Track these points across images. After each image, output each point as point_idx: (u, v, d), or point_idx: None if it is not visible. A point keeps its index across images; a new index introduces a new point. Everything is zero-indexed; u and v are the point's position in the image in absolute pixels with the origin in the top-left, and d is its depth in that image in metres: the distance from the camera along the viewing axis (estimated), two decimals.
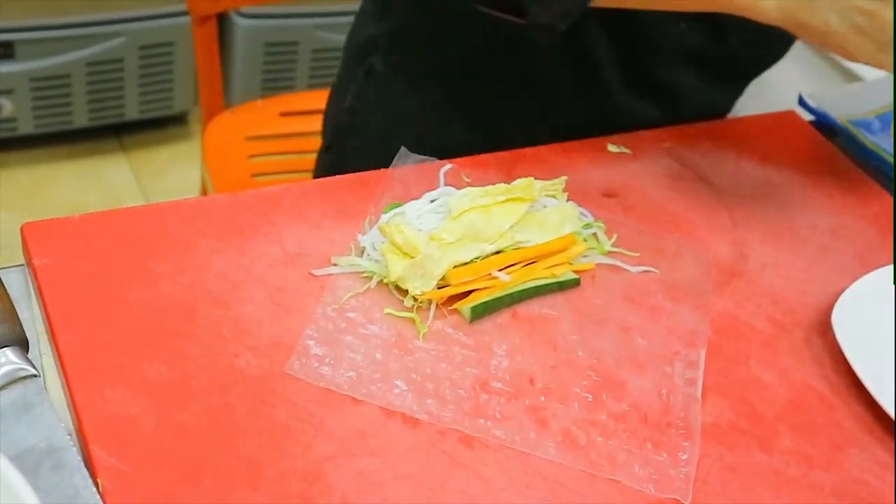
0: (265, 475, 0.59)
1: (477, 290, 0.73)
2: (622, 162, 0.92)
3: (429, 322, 0.71)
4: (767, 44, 0.98)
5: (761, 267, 0.84)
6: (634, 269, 0.80)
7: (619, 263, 0.80)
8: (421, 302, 0.72)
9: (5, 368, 0.62)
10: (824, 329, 0.78)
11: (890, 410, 0.70)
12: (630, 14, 0.86)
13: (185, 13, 1.82)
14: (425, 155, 0.83)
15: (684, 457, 0.66)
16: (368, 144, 1.01)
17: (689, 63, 0.93)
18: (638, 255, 0.81)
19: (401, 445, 0.63)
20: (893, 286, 0.80)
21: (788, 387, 0.73)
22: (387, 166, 0.82)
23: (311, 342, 0.68)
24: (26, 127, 2.14)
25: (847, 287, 0.79)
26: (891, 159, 1.00)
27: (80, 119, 2.15)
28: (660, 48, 0.90)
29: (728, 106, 1.07)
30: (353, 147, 1.04)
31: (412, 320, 0.71)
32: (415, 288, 0.71)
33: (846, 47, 0.74)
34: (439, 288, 0.72)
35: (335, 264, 0.73)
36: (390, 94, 0.99)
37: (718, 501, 0.64)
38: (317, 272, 0.73)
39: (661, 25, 0.88)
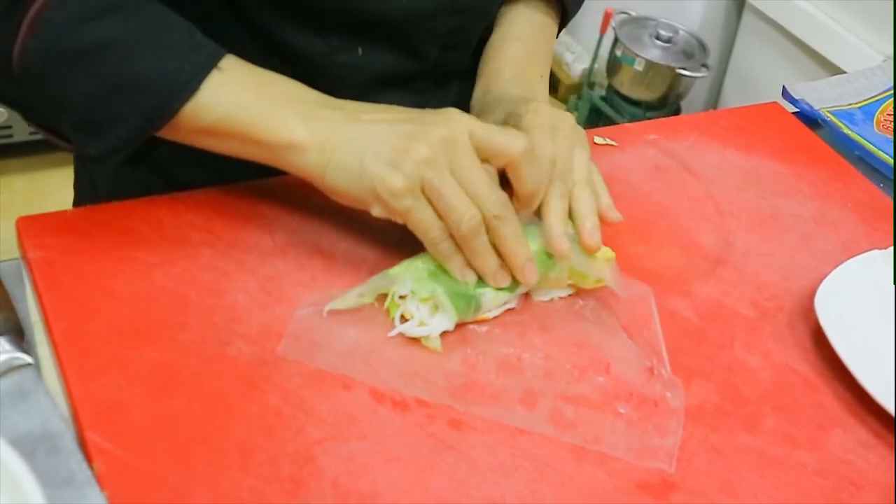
0: (256, 459, 0.60)
1: None
2: (608, 154, 0.93)
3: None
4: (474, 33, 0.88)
5: (746, 254, 0.85)
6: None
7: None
8: None
9: (1, 357, 0.63)
10: (807, 314, 0.79)
11: (871, 391, 0.71)
12: (296, 54, 0.81)
13: None
14: None
15: (670, 427, 0.67)
16: None
17: (387, 86, 0.85)
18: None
19: (390, 429, 0.64)
20: (873, 272, 0.81)
21: (772, 370, 0.74)
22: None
23: (302, 323, 0.69)
24: (21, 134, 2.15)
25: (829, 273, 0.80)
26: (874, 150, 1.01)
27: None
28: (344, 79, 0.82)
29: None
30: None
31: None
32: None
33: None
34: None
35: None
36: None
37: (703, 481, 0.65)
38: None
39: (331, 56, 0.82)
